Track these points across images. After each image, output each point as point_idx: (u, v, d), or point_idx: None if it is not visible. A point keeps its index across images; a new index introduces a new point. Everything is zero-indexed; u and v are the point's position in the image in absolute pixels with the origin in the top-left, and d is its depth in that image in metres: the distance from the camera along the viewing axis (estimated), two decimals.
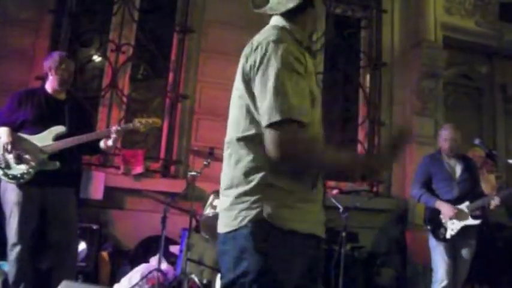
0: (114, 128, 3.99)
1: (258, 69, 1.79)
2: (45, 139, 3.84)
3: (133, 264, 5.00)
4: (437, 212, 4.67)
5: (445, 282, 4.52)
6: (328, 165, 1.88)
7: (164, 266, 4.75)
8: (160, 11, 6.58)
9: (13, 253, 3.73)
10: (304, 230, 1.81)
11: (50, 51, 5.76)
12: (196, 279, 4.35)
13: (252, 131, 1.81)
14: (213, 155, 4.70)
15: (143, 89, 6.51)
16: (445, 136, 4.83)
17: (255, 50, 1.84)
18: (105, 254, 5.24)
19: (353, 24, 7.35)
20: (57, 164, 3.83)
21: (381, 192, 6.80)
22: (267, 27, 1.98)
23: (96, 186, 5.52)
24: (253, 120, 1.81)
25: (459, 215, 4.57)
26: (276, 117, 1.69)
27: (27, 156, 3.76)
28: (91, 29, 6.34)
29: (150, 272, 4.54)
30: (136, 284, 4.51)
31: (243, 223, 1.77)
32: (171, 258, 5.09)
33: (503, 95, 8.01)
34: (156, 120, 4.27)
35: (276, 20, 2.00)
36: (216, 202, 4.53)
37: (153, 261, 4.80)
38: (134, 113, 6.23)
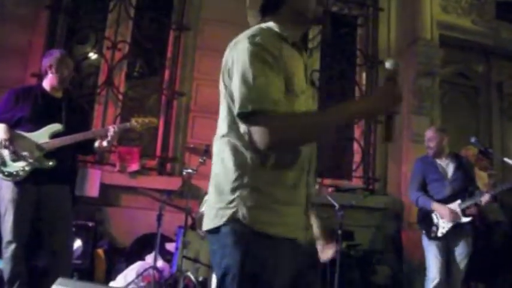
0: (111, 127, 3.99)
1: (232, 66, 1.79)
2: (41, 137, 3.83)
3: (129, 261, 5.00)
4: (429, 211, 4.69)
5: (437, 280, 4.53)
6: (321, 127, 1.80)
7: (160, 263, 4.76)
8: (156, 9, 6.57)
9: (8, 251, 3.71)
10: (280, 233, 1.77)
11: (46, 48, 5.76)
12: (192, 277, 4.35)
13: (233, 127, 1.80)
14: (209, 152, 4.70)
15: (139, 86, 6.49)
16: (427, 137, 4.92)
17: (233, 47, 1.85)
18: (100, 251, 5.24)
19: (349, 22, 7.36)
20: (53, 162, 3.82)
21: (377, 190, 6.81)
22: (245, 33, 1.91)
23: (91, 184, 5.51)
24: (232, 117, 1.80)
25: (455, 217, 4.58)
26: (247, 109, 1.68)
27: (23, 154, 3.75)
28: (87, 26, 6.31)
29: (145, 270, 4.54)
30: (132, 281, 4.51)
31: (220, 222, 1.77)
32: (167, 256, 5.09)
33: (500, 94, 8.02)
34: (152, 120, 4.27)
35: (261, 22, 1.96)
36: None
37: (149, 258, 4.80)
38: (130, 110, 6.21)
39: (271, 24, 1.90)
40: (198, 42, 6.38)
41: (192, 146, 5.28)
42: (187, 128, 6.18)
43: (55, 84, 4.03)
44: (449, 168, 4.82)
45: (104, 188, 5.57)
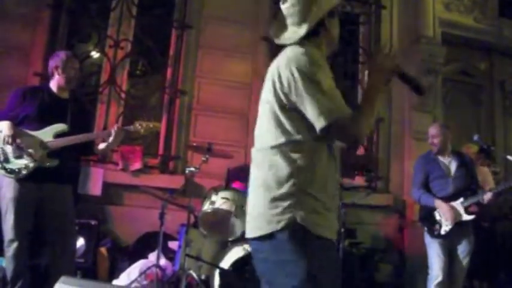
0: (114, 129, 4.00)
1: (294, 87, 1.96)
2: (46, 135, 3.83)
3: (132, 260, 5.00)
4: (432, 209, 4.68)
5: (440, 278, 4.53)
6: (372, 113, 2.03)
7: (163, 261, 4.76)
8: (159, 7, 6.56)
9: (10, 249, 3.71)
10: (328, 236, 1.97)
11: (48, 47, 5.78)
12: (194, 275, 4.35)
13: (283, 139, 1.99)
14: (211, 150, 4.71)
15: (141, 85, 6.50)
16: (431, 133, 4.89)
17: (286, 66, 2.01)
18: (103, 250, 5.24)
19: (352, 20, 7.34)
20: (56, 161, 3.83)
21: (379, 188, 6.80)
22: (287, 49, 2.12)
23: (94, 182, 5.52)
24: (284, 131, 1.99)
25: (456, 216, 4.58)
26: (324, 123, 1.90)
27: (27, 151, 3.75)
28: (89, 24, 6.31)
29: (148, 268, 4.54)
30: (135, 279, 4.51)
31: (278, 227, 1.90)
32: (170, 254, 5.09)
33: (502, 92, 8.02)
34: (156, 124, 4.30)
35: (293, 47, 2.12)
36: (214, 198, 4.53)
37: (152, 257, 4.80)
38: (132, 109, 6.22)
39: (310, 44, 2.10)
40: (200, 40, 6.38)
41: (194, 144, 5.29)
42: (189, 126, 6.17)
43: (62, 85, 4.04)
44: (452, 165, 4.81)
45: (107, 186, 5.58)
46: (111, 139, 4.00)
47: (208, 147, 4.70)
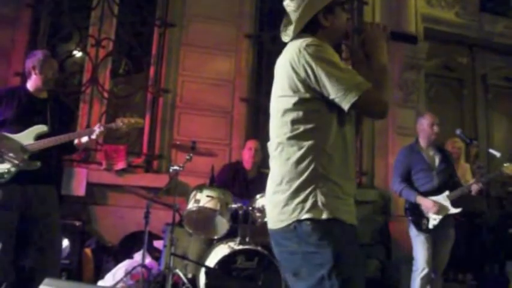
0: (96, 127, 3.95)
1: (312, 72, 1.99)
2: (26, 138, 3.78)
3: (117, 260, 4.98)
4: (418, 203, 4.70)
5: (426, 271, 4.54)
6: (388, 81, 2.13)
7: (148, 261, 4.75)
8: (140, 5, 6.52)
9: None
10: (349, 220, 1.99)
11: (29, 46, 5.72)
12: (180, 274, 4.33)
13: (300, 129, 2.02)
14: (195, 149, 4.69)
15: (124, 83, 6.46)
16: (430, 121, 4.81)
17: (298, 56, 2.02)
18: (88, 250, 5.21)
19: None
20: (38, 163, 3.79)
21: (364, 184, 6.84)
22: (290, 44, 2.16)
23: (78, 183, 5.48)
24: (299, 121, 2.02)
25: (441, 209, 4.60)
26: (355, 96, 1.95)
27: (9, 155, 3.71)
28: (70, 23, 6.25)
29: (134, 268, 4.52)
30: (121, 280, 4.49)
31: (301, 216, 1.92)
32: (155, 254, 5.07)
33: (484, 85, 8.12)
34: (138, 121, 4.23)
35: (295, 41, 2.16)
36: (198, 196, 4.51)
37: (137, 256, 4.79)
38: (115, 108, 6.19)
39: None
40: (182, 38, 6.36)
41: (178, 142, 5.27)
42: (173, 124, 6.15)
43: (39, 85, 3.96)
44: (436, 159, 4.82)
45: (91, 186, 5.55)
46: (93, 137, 3.95)
47: (192, 145, 4.67)
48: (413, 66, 6.95)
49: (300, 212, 1.93)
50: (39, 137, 3.81)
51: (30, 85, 3.97)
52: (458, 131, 5.01)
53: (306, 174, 1.96)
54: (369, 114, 2.17)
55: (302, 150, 1.99)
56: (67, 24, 6.24)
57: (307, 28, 2.15)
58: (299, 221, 1.92)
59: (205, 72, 6.31)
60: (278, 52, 2.22)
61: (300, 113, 2.02)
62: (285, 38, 2.24)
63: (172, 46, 6.32)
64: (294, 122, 2.03)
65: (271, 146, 2.14)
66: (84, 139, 3.97)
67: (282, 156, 2.04)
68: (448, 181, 4.74)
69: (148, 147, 6.12)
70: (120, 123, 4.07)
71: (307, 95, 2.02)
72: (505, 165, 4.63)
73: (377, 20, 7.22)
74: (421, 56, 6.99)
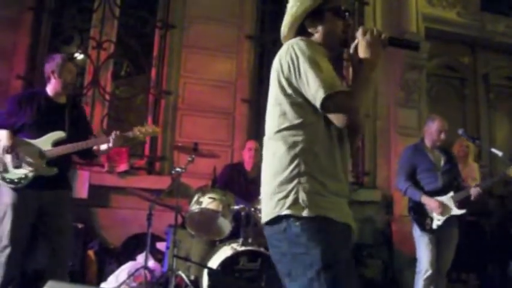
0: (113, 135, 3.95)
1: (294, 69, 2.02)
2: (44, 144, 3.79)
3: (120, 262, 4.98)
4: (421, 202, 4.68)
5: (429, 272, 4.53)
6: (368, 87, 2.08)
7: (151, 263, 4.74)
8: (141, 7, 6.52)
9: (3, 255, 3.67)
10: (339, 218, 1.97)
11: (31, 49, 5.74)
12: (183, 276, 4.34)
13: (284, 125, 2.04)
14: (197, 150, 4.69)
15: (126, 86, 6.47)
16: (439, 128, 4.79)
17: (285, 53, 2.07)
18: (91, 252, 5.21)
19: None
20: (55, 169, 3.81)
21: (366, 184, 6.83)
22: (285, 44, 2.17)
23: (80, 185, 5.48)
24: (286, 117, 2.04)
25: (444, 210, 4.59)
26: (323, 94, 1.93)
27: (26, 161, 3.72)
28: (71, 26, 6.27)
29: (137, 270, 4.52)
30: (124, 282, 4.49)
31: (282, 211, 1.93)
32: (158, 255, 5.07)
33: (486, 85, 8.10)
34: (155, 129, 4.24)
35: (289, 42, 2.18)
36: (201, 198, 4.52)
37: (140, 258, 4.79)
38: (117, 110, 6.19)
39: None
40: (184, 40, 6.36)
41: (180, 144, 5.27)
42: (175, 126, 6.15)
43: (58, 89, 3.97)
44: (441, 159, 4.80)
45: (93, 189, 5.54)
46: (110, 145, 3.97)
47: (194, 147, 4.68)
48: (414, 66, 6.94)
49: (281, 208, 1.94)
50: (57, 143, 3.83)
51: (50, 89, 3.99)
52: (460, 131, 5.00)
53: (289, 170, 1.97)
54: (334, 119, 2.03)
55: (287, 145, 2.00)
56: (68, 27, 6.26)
57: (300, 33, 2.19)
58: (286, 220, 1.93)
59: (206, 73, 6.31)
60: None
61: (287, 109, 2.05)
62: (283, 40, 2.26)
63: (174, 48, 6.32)
64: (280, 117, 2.05)
65: (264, 141, 2.16)
66: (103, 146, 3.99)
67: (269, 150, 2.08)
68: (453, 182, 4.72)
69: (151, 149, 6.12)
70: (137, 132, 4.08)
71: (290, 91, 2.05)
72: (511, 168, 4.63)
73: (378, 20, 7.23)
74: (423, 55, 6.98)
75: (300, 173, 1.95)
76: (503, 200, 7.08)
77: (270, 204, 2.00)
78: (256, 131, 6.32)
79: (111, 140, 3.92)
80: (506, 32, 7.89)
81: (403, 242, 5.95)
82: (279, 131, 2.04)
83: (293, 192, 1.94)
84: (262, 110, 6.46)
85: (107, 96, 6.10)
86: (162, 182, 5.36)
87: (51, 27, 6.04)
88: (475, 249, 6.02)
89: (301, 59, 2.00)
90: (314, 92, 1.95)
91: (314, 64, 1.98)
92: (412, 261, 4.80)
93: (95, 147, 4.03)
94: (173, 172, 4.71)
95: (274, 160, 2.03)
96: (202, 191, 4.61)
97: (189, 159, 4.65)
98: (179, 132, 6.13)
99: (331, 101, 1.94)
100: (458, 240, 4.69)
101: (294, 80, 2.02)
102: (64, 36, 6.24)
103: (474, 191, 4.60)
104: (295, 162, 1.97)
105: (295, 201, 1.92)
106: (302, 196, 1.92)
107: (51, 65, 3.97)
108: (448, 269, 4.74)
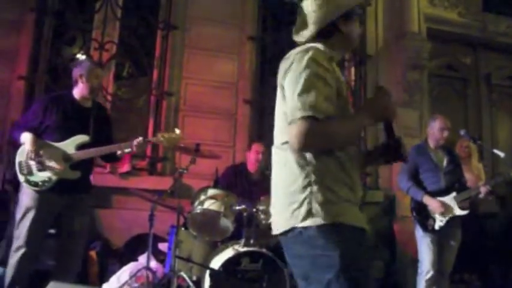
0: (135, 141, 3.96)
1: (286, 76, 2.00)
2: (68, 147, 3.82)
3: (122, 262, 4.97)
4: (423, 203, 4.68)
5: (431, 273, 4.52)
6: (346, 138, 2.02)
7: (153, 263, 4.73)
8: (143, 8, 6.53)
9: (16, 255, 3.69)
10: (354, 222, 1.95)
11: (33, 50, 5.76)
12: (185, 277, 4.33)
13: None
14: (199, 151, 4.69)
15: (128, 87, 6.47)
16: (441, 125, 4.80)
17: (286, 60, 2.05)
18: (93, 253, 5.21)
19: None
20: (78, 173, 3.83)
21: (369, 185, 6.82)
22: (298, 48, 2.12)
23: None
24: None
25: (446, 210, 4.58)
26: (296, 115, 1.88)
27: (50, 164, 3.74)
28: (73, 27, 6.27)
29: (139, 270, 4.51)
30: (126, 282, 4.48)
31: (297, 222, 1.91)
32: (160, 256, 5.06)
33: (488, 85, 8.09)
34: (178, 135, 4.24)
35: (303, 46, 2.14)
36: (203, 198, 4.52)
37: (142, 259, 4.78)
38: (119, 111, 6.19)
39: (319, 45, 2.09)
40: (185, 41, 6.37)
41: (182, 145, 5.26)
42: (177, 127, 6.14)
43: (85, 93, 4.01)
44: (444, 160, 4.80)
45: (95, 189, 5.53)
46: (133, 150, 3.98)
47: (196, 148, 4.68)
48: (416, 66, 6.94)
49: (295, 220, 1.92)
50: (81, 146, 3.85)
51: (76, 93, 4.04)
52: (462, 132, 5.00)
53: (300, 180, 1.95)
54: (289, 140, 1.95)
55: (295, 156, 1.97)
56: (70, 28, 6.27)
57: (324, 31, 2.15)
58: (298, 227, 1.92)
59: (208, 74, 6.32)
60: (281, 54, 2.21)
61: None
62: (298, 38, 2.23)
63: (176, 49, 6.33)
64: (287, 127, 1.98)
65: (273, 150, 2.15)
66: (127, 151, 4.01)
67: (280, 161, 2.06)
68: (455, 182, 4.71)
69: (152, 150, 6.12)
70: (161, 138, 4.10)
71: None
72: None
73: (380, 20, 7.22)
74: (424, 56, 6.98)
75: (311, 183, 1.93)
76: (504, 199, 7.07)
77: (283, 215, 1.98)
78: (258, 132, 6.33)
79: (134, 147, 3.94)
80: (507, 32, 7.89)
81: (406, 243, 5.95)
82: (287, 141, 1.99)
83: (306, 202, 1.91)
84: (264, 111, 6.49)
85: (109, 98, 6.10)
86: (164, 183, 5.35)
87: (53, 28, 6.05)
88: (479, 250, 6.01)
89: (297, 70, 1.95)
90: (289, 107, 1.92)
91: (315, 78, 1.92)
92: (415, 262, 4.79)
93: (118, 152, 4.04)
94: (175, 173, 4.71)
95: (285, 170, 2.01)
96: (204, 191, 4.62)
97: (191, 160, 4.65)
98: (181, 133, 6.12)
99: (297, 126, 1.87)
100: (461, 241, 4.68)
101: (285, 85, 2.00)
102: (66, 38, 6.25)
103: (483, 190, 4.59)
104: (305, 172, 1.95)
105: (309, 212, 1.90)
106: (315, 207, 1.90)
107: (79, 69, 4.03)
108: (451, 271, 4.73)
